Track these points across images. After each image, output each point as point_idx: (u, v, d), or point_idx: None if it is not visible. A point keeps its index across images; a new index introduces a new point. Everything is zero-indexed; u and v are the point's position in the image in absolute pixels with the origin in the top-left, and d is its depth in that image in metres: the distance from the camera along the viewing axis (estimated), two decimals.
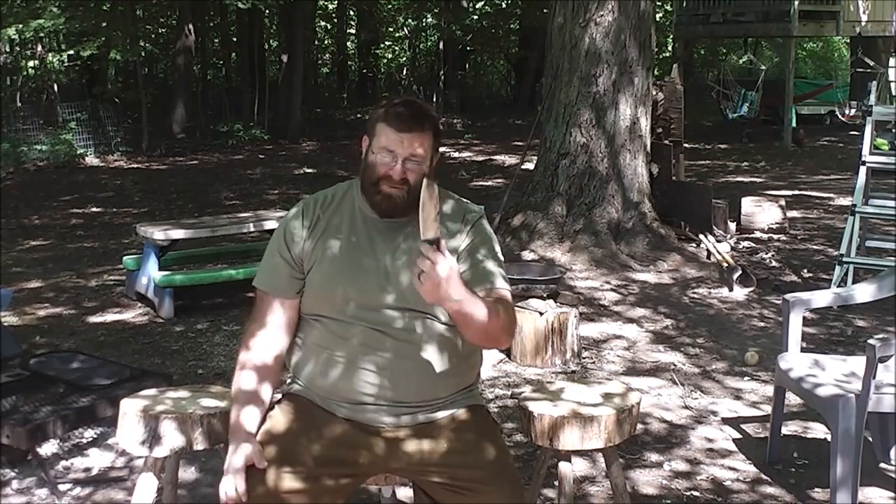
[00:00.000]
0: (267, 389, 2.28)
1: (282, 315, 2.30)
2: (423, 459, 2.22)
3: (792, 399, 3.81)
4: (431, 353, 2.24)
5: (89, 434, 3.74)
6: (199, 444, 2.41)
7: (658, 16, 17.87)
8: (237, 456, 2.15)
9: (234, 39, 21.08)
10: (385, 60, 24.29)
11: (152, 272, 5.66)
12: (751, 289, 6.11)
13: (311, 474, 2.15)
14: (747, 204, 8.10)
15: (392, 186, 2.20)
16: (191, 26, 16.58)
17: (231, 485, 2.12)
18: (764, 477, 3.46)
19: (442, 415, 2.28)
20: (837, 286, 5.54)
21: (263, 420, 2.25)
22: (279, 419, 2.26)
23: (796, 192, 10.28)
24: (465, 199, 2.40)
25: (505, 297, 2.24)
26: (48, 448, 3.59)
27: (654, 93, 7.61)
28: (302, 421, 2.24)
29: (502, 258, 2.36)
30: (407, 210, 2.22)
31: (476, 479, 2.17)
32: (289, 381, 2.39)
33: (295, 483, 2.13)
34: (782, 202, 8.23)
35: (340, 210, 2.33)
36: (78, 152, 13.62)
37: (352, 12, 23.52)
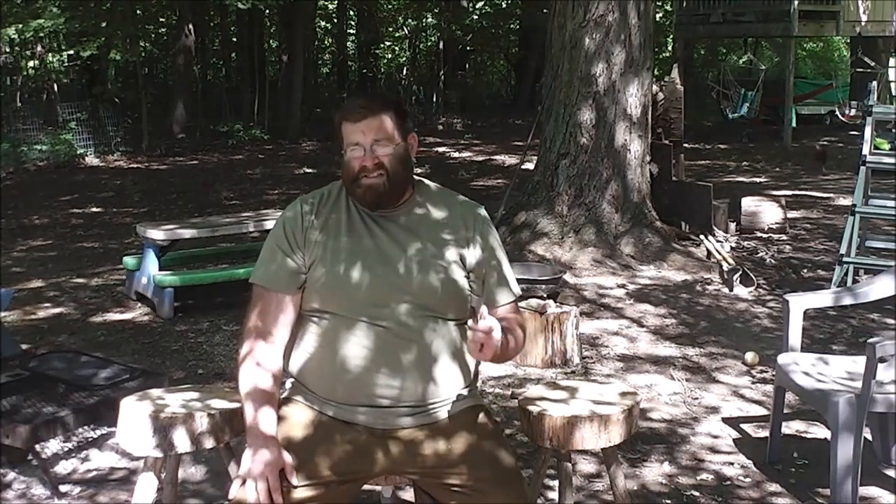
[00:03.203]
0: (275, 389, 2.24)
1: (282, 312, 2.27)
2: (437, 461, 2.19)
3: (792, 399, 3.81)
4: (439, 352, 2.24)
5: (89, 434, 3.74)
6: (200, 445, 2.41)
7: (658, 16, 17.87)
8: (262, 461, 2.09)
9: (234, 39, 21.09)
10: (385, 60, 24.27)
11: (152, 272, 5.67)
12: (751, 288, 6.12)
13: (327, 488, 2.13)
14: (747, 204, 8.10)
15: (370, 176, 2.23)
16: (191, 26, 16.58)
17: (253, 489, 2.06)
18: (764, 477, 3.46)
19: (446, 414, 2.27)
20: (837, 286, 5.55)
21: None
22: (290, 429, 2.21)
23: (796, 192, 10.28)
24: (468, 199, 2.41)
25: (522, 314, 2.37)
26: (48, 448, 3.59)
27: (654, 92, 7.61)
28: (315, 431, 2.21)
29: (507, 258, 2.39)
30: (393, 197, 2.27)
31: (481, 478, 2.16)
32: (290, 382, 2.36)
33: (310, 493, 2.12)
34: (782, 202, 8.23)
35: (338, 207, 2.32)
36: (78, 152, 13.61)
37: (352, 12, 23.52)
